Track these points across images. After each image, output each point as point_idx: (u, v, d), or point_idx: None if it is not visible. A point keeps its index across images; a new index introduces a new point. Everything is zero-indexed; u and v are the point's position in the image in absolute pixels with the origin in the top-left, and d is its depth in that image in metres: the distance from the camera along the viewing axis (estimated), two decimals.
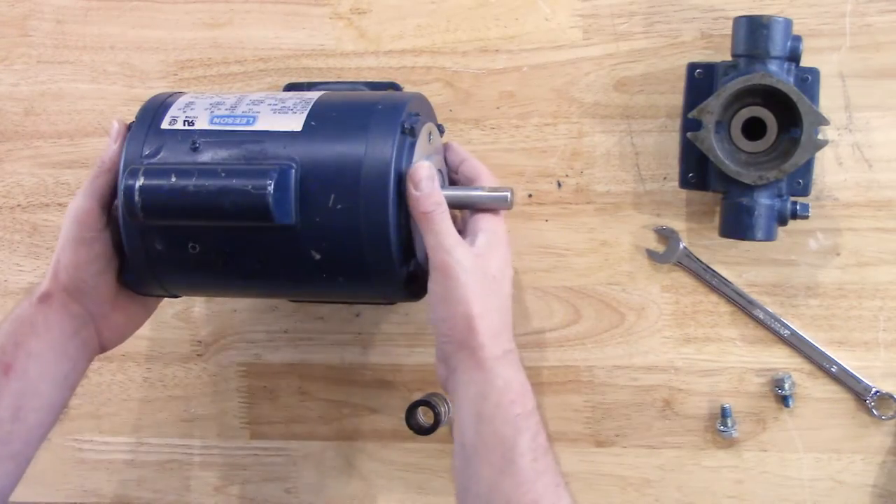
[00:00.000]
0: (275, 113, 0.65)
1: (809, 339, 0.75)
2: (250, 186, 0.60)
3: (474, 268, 0.60)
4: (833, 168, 0.75)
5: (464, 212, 0.66)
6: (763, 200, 0.67)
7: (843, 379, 0.75)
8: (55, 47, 0.85)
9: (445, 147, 0.71)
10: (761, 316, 0.76)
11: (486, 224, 0.63)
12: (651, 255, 0.77)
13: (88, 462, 0.87)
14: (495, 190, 0.65)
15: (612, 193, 0.78)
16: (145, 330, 0.85)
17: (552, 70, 0.78)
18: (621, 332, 0.78)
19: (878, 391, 0.74)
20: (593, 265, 0.79)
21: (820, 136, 0.66)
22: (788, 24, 0.63)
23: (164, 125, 0.65)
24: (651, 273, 0.78)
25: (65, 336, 0.64)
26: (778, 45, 0.63)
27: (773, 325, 0.76)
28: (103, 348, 0.68)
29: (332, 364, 0.83)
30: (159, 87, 0.84)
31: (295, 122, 0.64)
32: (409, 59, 0.80)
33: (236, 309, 0.84)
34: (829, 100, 0.74)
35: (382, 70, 0.80)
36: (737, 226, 0.69)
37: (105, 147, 0.65)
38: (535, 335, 0.80)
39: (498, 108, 0.79)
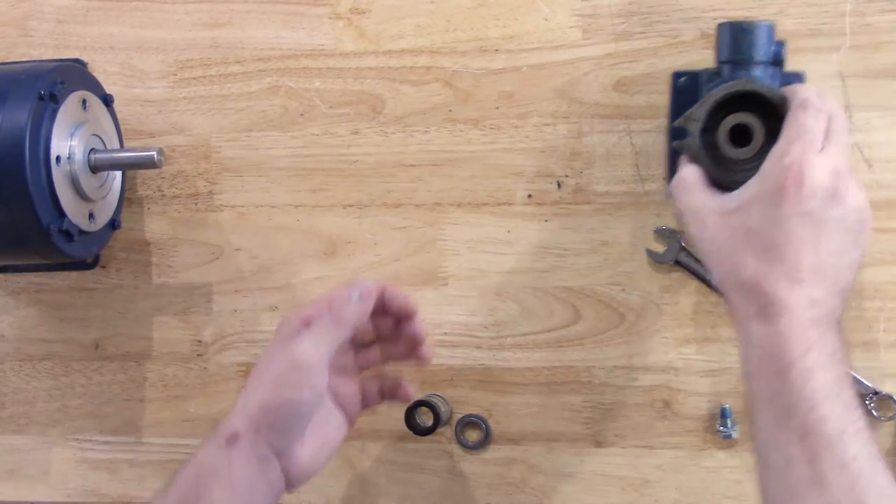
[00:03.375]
0: None
1: None
2: None
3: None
4: None
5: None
6: None
7: None
8: (55, 47, 0.85)
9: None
10: None
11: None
12: (651, 255, 0.77)
13: (89, 462, 0.87)
14: (142, 150, 0.76)
15: (612, 193, 0.78)
16: (146, 330, 0.85)
17: (551, 70, 0.78)
18: (621, 333, 0.78)
19: (877, 392, 0.74)
20: (593, 265, 0.79)
21: None
22: (771, 28, 0.62)
23: None
24: (651, 273, 0.78)
25: (249, 481, 0.58)
26: (762, 50, 0.61)
27: None
28: (289, 486, 0.61)
29: None
30: (159, 87, 0.84)
31: None
32: (409, 59, 0.80)
33: (237, 309, 0.84)
34: None
35: (382, 70, 0.80)
36: None
37: (345, 300, 0.60)
38: (535, 335, 0.80)
39: (497, 108, 0.79)
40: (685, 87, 0.66)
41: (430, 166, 0.80)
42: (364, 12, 0.81)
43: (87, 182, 0.75)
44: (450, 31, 0.79)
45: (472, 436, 0.81)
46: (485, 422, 0.80)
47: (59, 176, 0.71)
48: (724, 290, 0.56)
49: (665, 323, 0.78)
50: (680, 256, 0.76)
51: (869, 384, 0.74)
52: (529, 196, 0.79)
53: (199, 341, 0.85)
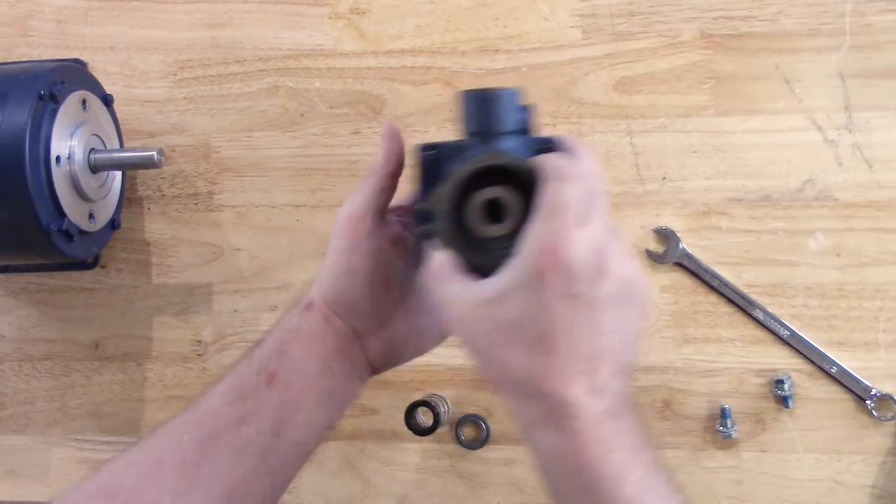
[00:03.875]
0: None
1: (809, 340, 0.75)
2: None
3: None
4: (833, 168, 0.75)
5: None
6: None
7: (842, 380, 0.75)
8: (55, 47, 0.85)
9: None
10: (761, 316, 0.76)
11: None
12: (651, 255, 0.77)
13: (89, 461, 0.87)
14: (142, 150, 0.77)
15: (612, 193, 0.78)
16: (146, 330, 0.85)
17: (552, 70, 0.78)
18: None
19: (877, 392, 0.74)
20: None
21: None
22: (515, 94, 0.55)
23: None
24: (650, 273, 0.78)
25: (328, 349, 0.56)
26: (507, 119, 0.54)
27: (772, 326, 0.76)
28: (374, 370, 0.59)
29: None
30: (159, 87, 0.84)
31: None
32: (409, 59, 0.80)
33: (237, 309, 0.84)
34: (829, 100, 0.74)
35: (382, 70, 0.80)
36: None
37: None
38: None
39: None
40: (432, 162, 0.57)
41: None
42: (364, 12, 0.81)
43: (87, 182, 0.75)
44: (450, 31, 0.79)
45: (472, 436, 0.81)
46: (485, 422, 0.80)
47: (59, 176, 0.71)
48: (499, 392, 0.50)
49: (664, 323, 0.78)
50: (680, 257, 0.76)
51: (869, 384, 0.74)
52: None
53: (199, 341, 0.85)
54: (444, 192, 0.53)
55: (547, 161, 0.50)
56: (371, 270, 0.56)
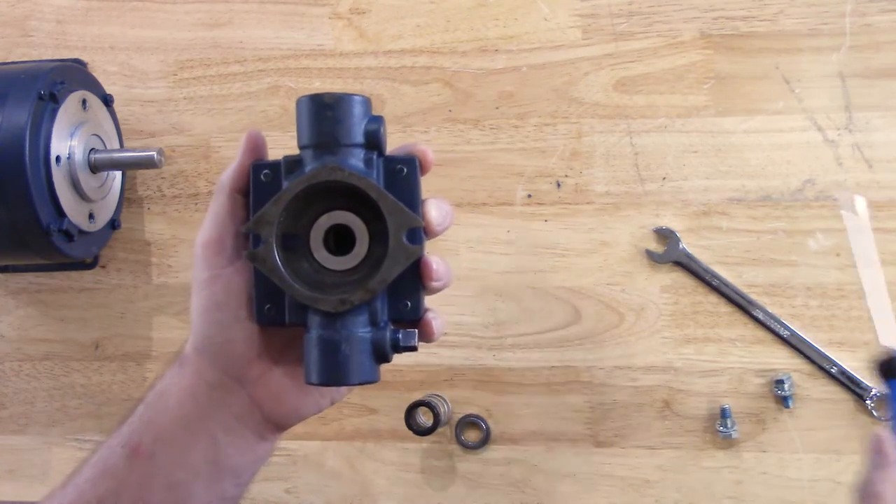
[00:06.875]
0: None
1: (809, 340, 0.75)
2: None
3: None
4: (833, 168, 0.75)
5: None
6: (354, 332, 0.47)
7: (842, 380, 0.75)
8: (55, 47, 0.85)
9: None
10: (761, 316, 0.76)
11: None
12: (650, 255, 0.77)
13: None
14: (142, 150, 0.78)
15: (612, 193, 0.78)
16: (146, 330, 0.85)
17: (551, 70, 0.78)
18: (621, 333, 0.78)
19: (877, 392, 0.74)
20: (593, 265, 0.79)
21: (410, 243, 0.46)
22: (361, 102, 0.48)
23: None
24: (650, 273, 0.78)
25: (202, 411, 0.48)
26: (350, 131, 0.47)
27: (772, 326, 0.76)
28: (277, 425, 0.50)
29: None
30: (159, 87, 0.84)
31: None
32: (409, 59, 0.80)
33: None
34: (829, 100, 0.74)
35: (381, 70, 0.80)
36: (322, 367, 0.47)
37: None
38: (535, 335, 0.80)
39: (497, 108, 0.79)
40: (268, 183, 0.49)
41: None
42: (364, 12, 0.81)
43: (87, 182, 0.75)
44: (450, 31, 0.79)
45: (472, 436, 0.81)
46: (485, 422, 0.80)
47: (59, 176, 0.71)
48: None
49: (664, 323, 0.78)
50: (680, 257, 0.76)
51: (869, 384, 0.74)
52: (529, 196, 0.79)
53: None
54: (271, 212, 0.46)
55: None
56: (241, 303, 0.48)
